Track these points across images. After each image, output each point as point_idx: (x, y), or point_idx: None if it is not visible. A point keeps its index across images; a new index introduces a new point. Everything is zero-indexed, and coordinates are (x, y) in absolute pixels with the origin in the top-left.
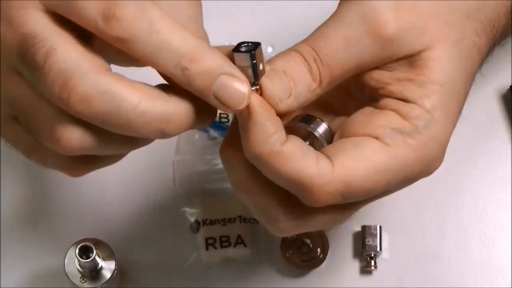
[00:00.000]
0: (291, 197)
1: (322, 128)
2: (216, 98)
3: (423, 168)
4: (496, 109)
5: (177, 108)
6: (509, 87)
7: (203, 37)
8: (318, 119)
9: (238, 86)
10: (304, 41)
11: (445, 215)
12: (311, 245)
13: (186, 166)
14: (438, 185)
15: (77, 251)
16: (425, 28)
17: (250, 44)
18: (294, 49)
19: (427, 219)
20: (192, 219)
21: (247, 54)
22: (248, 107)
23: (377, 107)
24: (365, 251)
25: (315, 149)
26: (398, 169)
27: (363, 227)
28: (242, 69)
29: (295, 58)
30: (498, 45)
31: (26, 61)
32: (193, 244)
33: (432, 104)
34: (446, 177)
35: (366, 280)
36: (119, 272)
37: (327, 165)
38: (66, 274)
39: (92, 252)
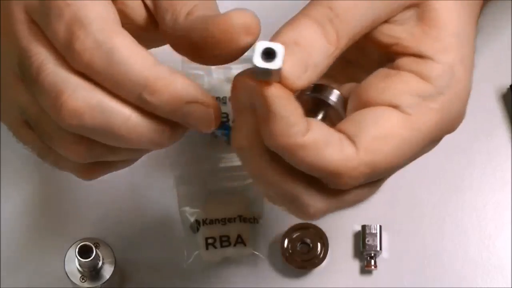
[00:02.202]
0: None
1: (335, 96)
2: (185, 123)
3: (446, 129)
4: (496, 109)
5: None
6: (509, 87)
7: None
8: (328, 87)
9: (204, 113)
10: (315, 1)
11: (445, 215)
12: (311, 245)
13: (186, 165)
14: (438, 185)
15: (77, 251)
16: None
17: (271, 49)
18: (304, 13)
19: (427, 219)
20: (192, 219)
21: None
22: (265, 99)
23: (392, 68)
24: (365, 251)
25: (331, 118)
26: (422, 138)
27: (363, 227)
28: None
29: (306, 24)
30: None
31: (25, 73)
32: (193, 244)
33: (451, 59)
34: (446, 177)
35: (366, 280)
36: (119, 272)
37: (352, 150)
38: (66, 274)
39: (92, 252)
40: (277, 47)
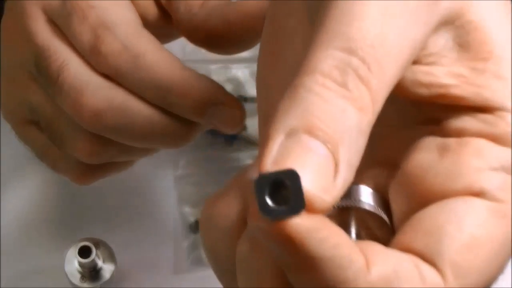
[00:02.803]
0: None
1: (367, 195)
2: (212, 125)
3: None
4: None
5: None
6: None
7: None
8: (350, 185)
9: (229, 115)
10: (319, 45)
11: None
12: None
13: (186, 165)
14: None
15: (77, 251)
16: None
17: (281, 181)
18: (306, 72)
19: None
20: (192, 219)
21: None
22: (291, 245)
23: (444, 134)
24: None
25: (372, 230)
26: None
27: None
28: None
29: (316, 89)
30: None
31: (42, 72)
32: (193, 244)
33: None
34: None
35: None
36: (119, 272)
37: (435, 277)
38: (66, 274)
39: (92, 252)
40: (291, 176)
